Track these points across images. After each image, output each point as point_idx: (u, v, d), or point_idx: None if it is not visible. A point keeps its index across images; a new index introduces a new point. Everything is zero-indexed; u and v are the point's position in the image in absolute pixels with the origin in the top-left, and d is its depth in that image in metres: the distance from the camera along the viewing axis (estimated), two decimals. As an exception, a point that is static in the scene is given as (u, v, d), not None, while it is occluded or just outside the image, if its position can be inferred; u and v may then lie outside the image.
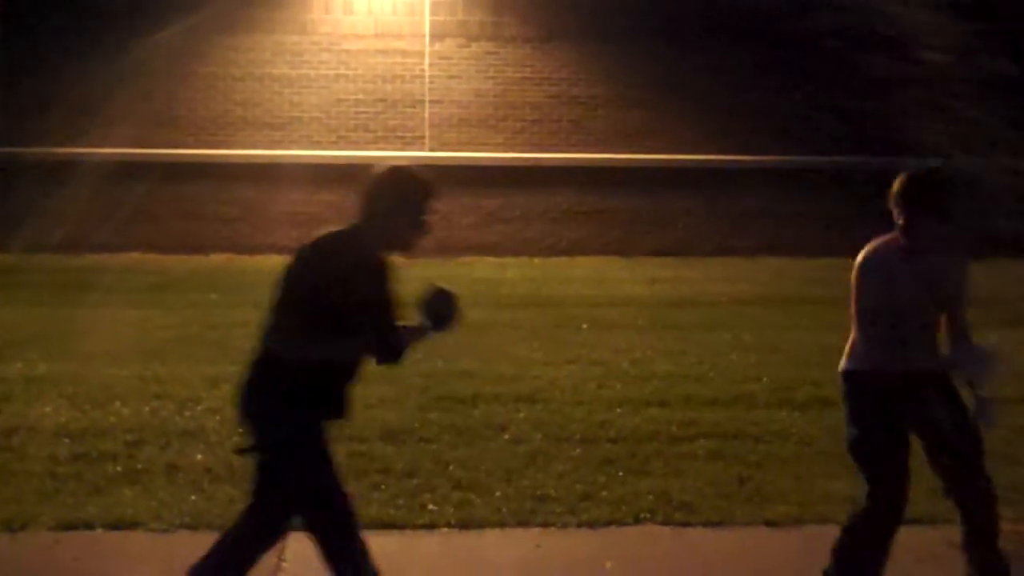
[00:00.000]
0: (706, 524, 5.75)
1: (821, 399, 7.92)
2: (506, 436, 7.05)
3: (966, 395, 4.81)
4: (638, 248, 15.61)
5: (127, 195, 14.40)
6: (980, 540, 4.78)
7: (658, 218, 15.86)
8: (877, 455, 4.79)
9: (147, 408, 7.44)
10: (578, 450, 6.80)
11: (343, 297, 4.00)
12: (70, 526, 5.54)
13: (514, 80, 15.79)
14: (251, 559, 4.31)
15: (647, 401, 7.89)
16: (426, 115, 15.59)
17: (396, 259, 4.14)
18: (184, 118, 15.38)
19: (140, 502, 5.82)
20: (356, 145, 15.48)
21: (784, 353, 9.50)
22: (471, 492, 6.08)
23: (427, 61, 15.56)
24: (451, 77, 15.65)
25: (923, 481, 6.31)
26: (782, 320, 10.93)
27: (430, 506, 5.88)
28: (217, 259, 14.51)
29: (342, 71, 15.56)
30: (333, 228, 4.26)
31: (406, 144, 15.60)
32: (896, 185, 4.71)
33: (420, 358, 9.01)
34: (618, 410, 7.65)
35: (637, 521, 5.77)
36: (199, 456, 6.53)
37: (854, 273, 4.80)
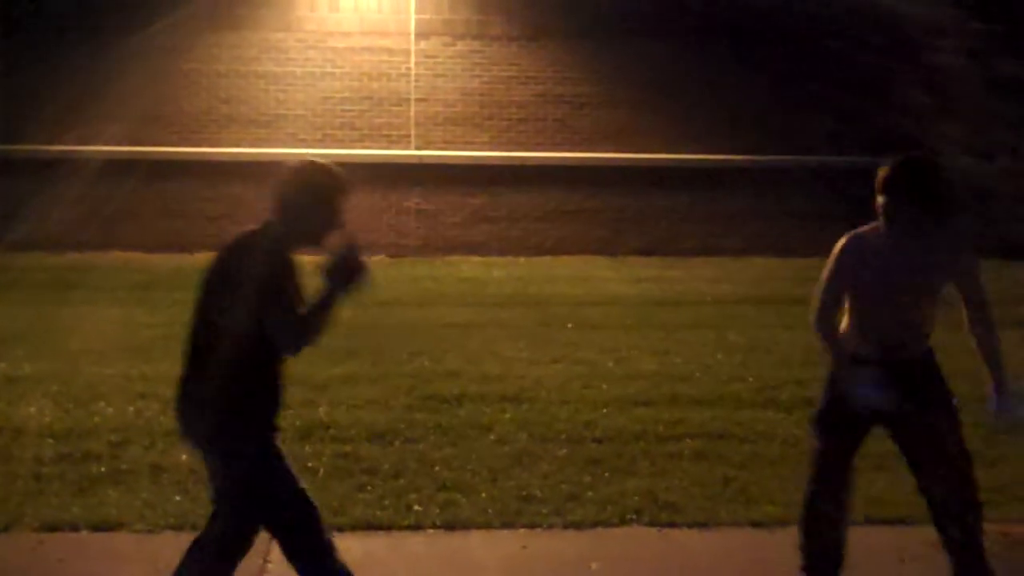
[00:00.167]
0: (692, 525, 5.77)
1: (806, 399, 7.90)
2: (492, 436, 7.05)
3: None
4: (624, 247, 15.63)
5: (112, 193, 14.34)
6: (966, 550, 4.74)
7: (644, 217, 15.88)
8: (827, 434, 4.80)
9: (132, 408, 7.41)
10: (564, 450, 6.80)
11: (249, 293, 3.95)
12: (54, 527, 5.52)
13: (500, 79, 15.77)
14: (228, 568, 4.28)
15: (633, 401, 7.89)
16: (412, 113, 15.57)
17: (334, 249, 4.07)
18: (169, 115, 15.32)
19: (125, 503, 5.80)
20: (342, 143, 15.44)
21: (770, 353, 9.52)
22: (457, 493, 6.07)
23: (413, 59, 15.53)
24: (437, 75, 15.63)
25: (906, 482, 6.34)
26: (768, 320, 10.94)
27: (416, 507, 5.87)
28: (202, 257, 14.26)
29: (328, 69, 15.53)
30: (250, 226, 4.19)
31: (392, 142, 15.58)
32: (881, 172, 4.70)
33: (405, 358, 9.08)
34: (604, 410, 7.65)
35: (623, 522, 5.78)
36: (184, 456, 6.48)
37: (832, 256, 4.79)
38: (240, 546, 4.26)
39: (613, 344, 9.70)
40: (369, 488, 6.11)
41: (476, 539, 5.58)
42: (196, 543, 4.28)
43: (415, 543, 5.52)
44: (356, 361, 8.92)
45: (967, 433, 7.25)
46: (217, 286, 4.09)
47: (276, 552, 5.28)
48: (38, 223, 13.99)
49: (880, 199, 4.65)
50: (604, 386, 8.29)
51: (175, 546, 5.27)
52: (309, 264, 4.10)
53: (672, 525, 5.75)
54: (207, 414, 4.06)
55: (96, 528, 5.54)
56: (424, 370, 8.67)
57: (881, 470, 6.49)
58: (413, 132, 15.58)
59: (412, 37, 15.49)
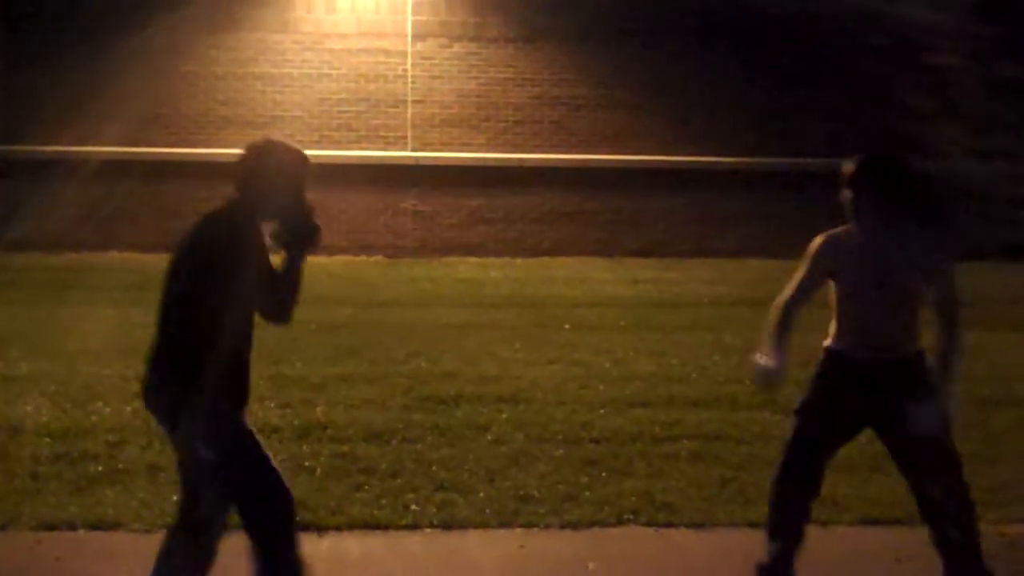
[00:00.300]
0: (689, 525, 5.77)
1: (803, 400, 7.94)
2: (489, 437, 7.05)
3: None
4: (620, 249, 15.64)
5: (109, 194, 14.33)
6: (964, 551, 4.73)
7: (640, 219, 15.89)
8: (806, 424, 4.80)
9: (128, 408, 7.40)
10: (561, 451, 6.80)
11: (230, 268, 3.97)
12: (52, 526, 5.52)
13: (496, 80, 15.78)
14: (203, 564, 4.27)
15: (629, 402, 7.90)
16: (408, 115, 15.57)
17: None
18: (166, 117, 15.32)
19: (122, 502, 5.80)
20: (339, 144, 15.45)
21: (766, 354, 9.51)
22: (454, 492, 6.08)
23: (410, 61, 15.54)
24: (434, 77, 15.64)
25: (902, 483, 6.34)
26: (763, 321, 10.93)
27: (413, 506, 5.87)
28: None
29: (325, 70, 15.53)
30: (207, 212, 4.24)
31: (388, 144, 15.59)
32: (846, 168, 4.70)
33: (403, 359, 9.09)
34: (601, 411, 7.66)
35: (620, 522, 5.78)
36: (181, 456, 6.50)
37: (807, 254, 4.83)
38: (211, 529, 4.21)
39: (610, 345, 9.71)
40: (366, 488, 6.11)
41: (473, 539, 5.58)
42: (170, 532, 4.27)
43: (412, 543, 5.52)
44: (354, 361, 8.93)
45: (966, 434, 7.30)
46: (191, 263, 4.09)
47: (274, 551, 5.29)
48: (36, 223, 13.99)
49: (846, 194, 4.67)
50: (601, 387, 8.30)
51: (173, 545, 5.30)
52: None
53: (669, 525, 5.76)
54: (176, 390, 4.04)
55: (93, 527, 5.54)
56: (421, 371, 8.67)
57: (876, 471, 6.50)
58: (410, 134, 15.59)
59: (409, 39, 15.50)
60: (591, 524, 5.74)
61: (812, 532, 5.63)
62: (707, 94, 15.68)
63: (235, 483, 4.14)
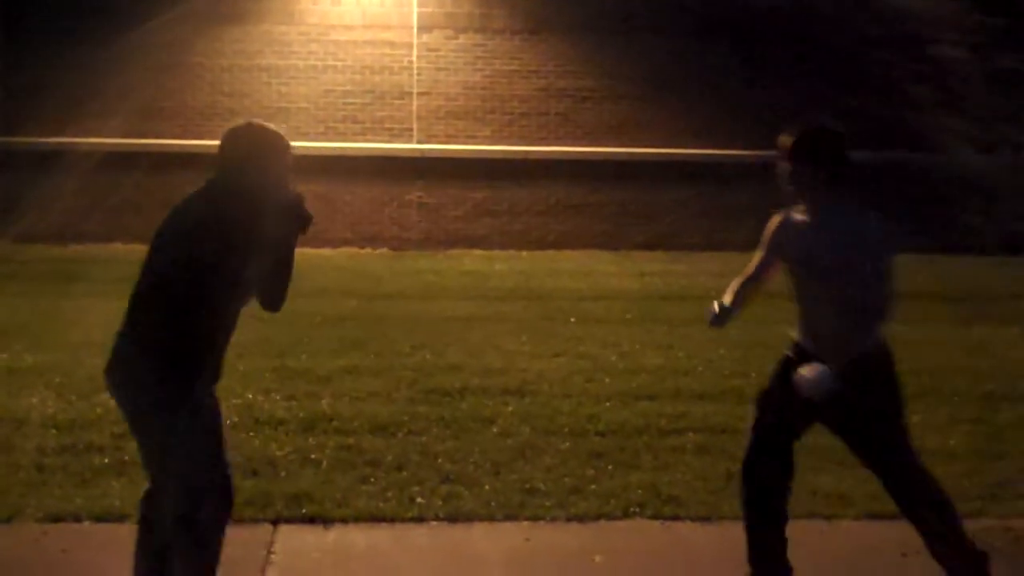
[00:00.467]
0: (695, 518, 5.76)
1: (809, 394, 7.93)
2: (495, 429, 7.04)
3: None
4: (626, 242, 15.61)
5: (114, 185, 14.33)
6: (944, 542, 4.66)
7: (647, 212, 15.87)
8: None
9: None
10: (567, 444, 6.79)
11: (227, 248, 3.98)
12: (57, 518, 5.52)
13: (502, 72, 15.76)
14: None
15: (636, 395, 7.89)
16: (414, 107, 15.56)
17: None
18: (171, 109, 15.32)
19: (127, 494, 5.77)
20: (344, 136, 15.44)
21: (772, 348, 9.40)
22: (460, 485, 6.07)
23: (415, 53, 15.52)
24: (439, 69, 15.62)
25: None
26: (770, 315, 10.82)
27: (419, 499, 5.87)
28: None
29: (330, 62, 15.52)
30: (189, 195, 4.25)
31: (394, 136, 15.57)
32: (785, 140, 4.67)
33: (408, 351, 9.08)
34: (607, 404, 7.65)
35: (626, 515, 5.77)
36: (187, 448, 6.50)
37: (764, 235, 4.84)
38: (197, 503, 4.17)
39: (616, 338, 9.69)
40: (372, 480, 6.11)
41: (479, 532, 5.58)
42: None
43: (418, 535, 5.51)
44: (359, 354, 8.93)
45: (971, 430, 7.31)
46: (182, 242, 4.09)
47: (280, 542, 5.31)
48: (41, 215, 14.00)
49: (784, 167, 4.64)
50: (607, 380, 8.29)
51: (178, 537, 5.30)
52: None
53: (675, 518, 5.75)
54: (156, 366, 4.04)
55: (99, 519, 5.54)
56: (427, 363, 8.67)
57: (884, 464, 6.50)
58: (415, 126, 15.57)
59: (414, 30, 15.48)
60: (597, 517, 5.74)
61: (817, 527, 5.65)
62: (714, 85, 15.65)
63: (191, 459, 4.11)
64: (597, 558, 5.27)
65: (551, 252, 15.22)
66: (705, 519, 5.74)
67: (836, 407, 4.50)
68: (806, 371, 4.45)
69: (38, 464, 6.22)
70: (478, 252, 15.07)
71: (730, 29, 15.60)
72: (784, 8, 15.13)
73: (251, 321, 9.61)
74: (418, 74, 15.53)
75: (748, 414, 7.37)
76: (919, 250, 14.91)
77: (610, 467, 6.43)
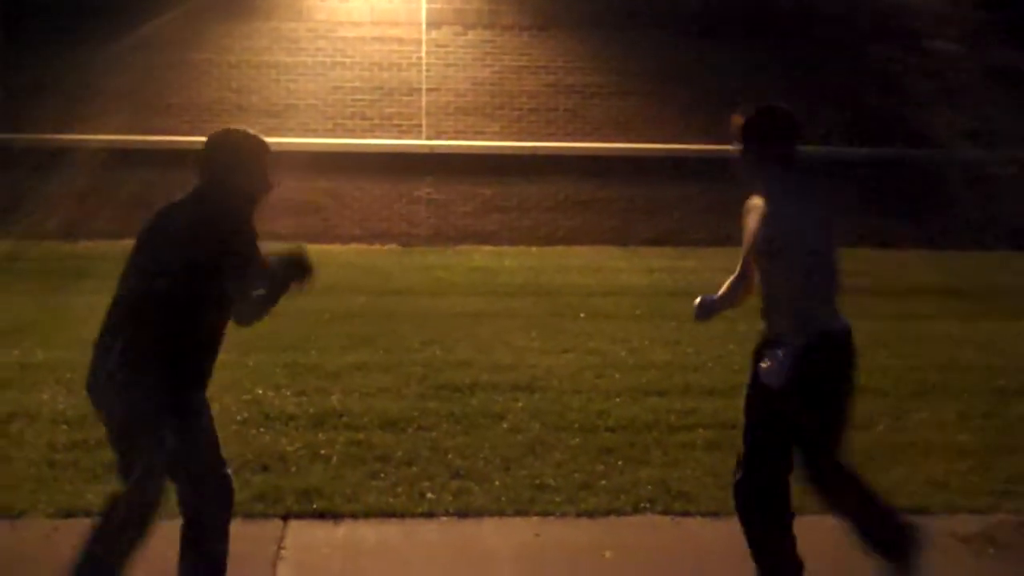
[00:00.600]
0: (705, 513, 5.75)
1: (819, 389, 7.91)
2: (504, 425, 7.04)
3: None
4: (635, 237, 15.59)
5: (123, 182, 14.33)
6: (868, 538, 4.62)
7: (655, 207, 15.84)
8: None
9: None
10: (576, 439, 6.79)
11: (221, 256, 4.02)
12: (68, 513, 5.53)
13: (511, 68, 15.74)
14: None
15: (645, 390, 7.89)
16: (423, 103, 15.54)
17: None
18: (179, 105, 15.32)
19: (138, 489, 5.80)
20: (352, 133, 15.44)
21: (781, 343, 9.48)
22: (470, 481, 6.07)
23: (424, 49, 15.51)
24: (448, 65, 15.61)
25: (922, 472, 6.35)
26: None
27: (429, 494, 5.87)
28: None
29: (338, 58, 15.51)
30: (174, 201, 4.27)
31: (402, 132, 15.57)
32: (735, 120, 4.62)
33: (417, 347, 9.08)
34: (616, 399, 7.64)
35: (636, 510, 5.77)
36: (197, 444, 6.51)
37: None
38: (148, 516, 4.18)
39: (625, 334, 9.68)
40: (382, 476, 6.11)
41: (489, 527, 5.58)
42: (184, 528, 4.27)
43: (428, 530, 5.52)
44: (368, 349, 8.93)
45: (983, 424, 7.29)
46: (175, 246, 4.10)
47: (290, 538, 5.32)
48: (50, 212, 14.02)
49: (735, 147, 4.60)
50: (616, 376, 8.28)
51: (189, 533, 5.30)
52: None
53: (685, 514, 5.74)
54: (152, 371, 4.05)
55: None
56: (436, 359, 8.67)
57: (895, 461, 6.50)
58: (424, 122, 15.56)
59: (423, 26, 15.47)
60: (607, 512, 5.73)
61: (826, 521, 5.62)
62: (723, 81, 15.59)
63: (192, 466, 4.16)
64: (607, 554, 5.27)
65: (560, 248, 15.20)
66: (715, 515, 5.72)
67: (793, 392, 4.42)
68: (764, 362, 4.43)
69: (49, 460, 6.23)
70: (487, 248, 15.06)
71: (738, 25, 15.57)
72: (791, 4, 15.11)
73: (261, 317, 9.38)
74: (427, 70, 15.53)
75: (758, 409, 7.43)
76: (923, 245, 14.94)
77: (620, 463, 6.42)
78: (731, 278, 4.91)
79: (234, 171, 4.22)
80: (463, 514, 5.68)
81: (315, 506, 5.66)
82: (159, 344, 4.06)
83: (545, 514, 5.69)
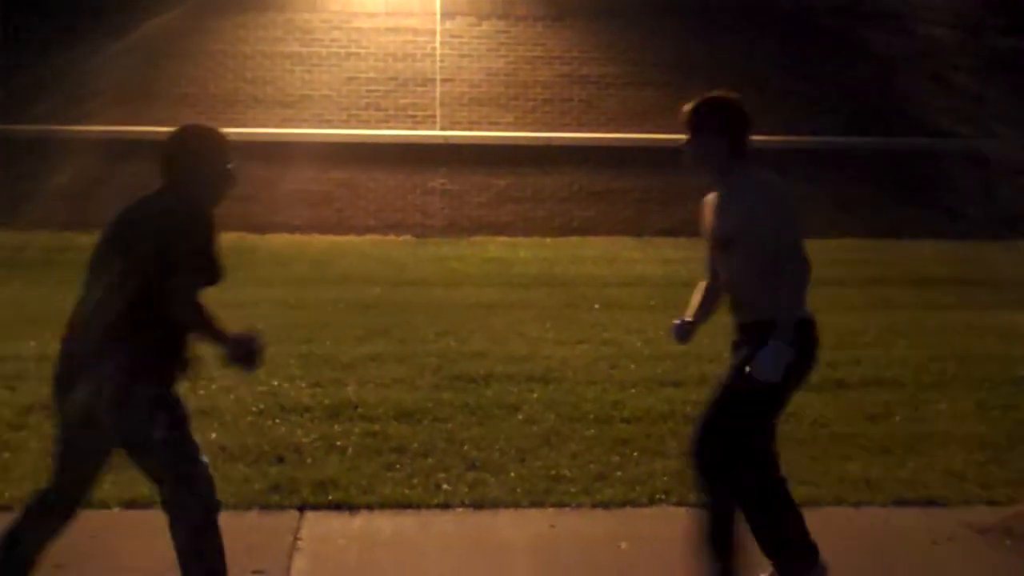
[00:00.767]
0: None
1: (835, 380, 7.90)
2: (520, 416, 7.04)
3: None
4: (650, 228, 15.56)
5: (138, 173, 14.32)
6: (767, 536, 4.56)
7: (670, 198, 15.79)
8: None
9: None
10: (592, 430, 6.78)
11: (181, 250, 4.02)
12: (86, 504, 5.53)
13: (525, 59, 15.72)
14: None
15: (660, 381, 7.87)
16: (437, 94, 15.53)
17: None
18: (194, 96, 15.34)
19: (155, 480, 5.81)
20: (367, 124, 15.44)
21: (797, 334, 9.44)
22: (485, 472, 6.07)
23: (438, 39, 15.49)
24: (462, 56, 15.59)
25: (939, 463, 6.32)
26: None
27: (444, 486, 5.87)
28: (228, 237, 14.34)
29: (353, 49, 15.51)
30: (140, 196, 4.29)
31: (417, 123, 15.56)
32: (685, 109, 4.61)
33: (432, 338, 9.09)
34: (632, 390, 7.63)
35: (652, 501, 5.76)
36: (213, 435, 6.52)
37: None
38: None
39: (640, 325, 9.66)
40: (398, 467, 6.11)
41: (505, 518, 5.57)
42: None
43: (444, 522, 5.51)
44: (383, 340, 8.94)
45: (1000, 415, 7.25)
46: (134, 242, 4.11)
47: (306, 529, 5.32)
48: (65, 202, 14.05)
49: (686, 137, 4.55)
50: (632, 366, 8.27)
51: (205, 523, 5.31)
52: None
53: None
54: (130, 365, 4.07)
55: (128, 506, 5.56)
56: (451, 350, 8.66)
57: (911, 451, 6.48)
58: (438, 112, 15.55)
59: (438, 17, 15.45)
60: (623, 503, 5.72)
61: (844, 513, 5.62)
62: (737, 72, 15.50)
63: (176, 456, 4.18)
64: (623, 544, 5.26)
65: (575, 239, 15.18)
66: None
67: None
68: (752, 365, 4.33)
69: (66, 451, 6.23)
70: (501, 239, 15.05)
71: (752, 14, 15.51)
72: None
73: (276, 308, 9.64)
74: (441, 61, 15.51)
75: (774, 400, 7.41)
76: (940, 236, 14.87)
77: (635, 454, 6.41)
78: (701, 287, 4.83)
79: (196, 168, 4.25)
80: (479, 505, 5.67)
81: (331, 497, 5.66)
82: (136, 335, 4.07)
83: (560, 505, 5.69)
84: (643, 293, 11.26)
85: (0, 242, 13.31)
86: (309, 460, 6.19)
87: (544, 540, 5.34)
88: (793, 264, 4.37)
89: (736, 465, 4.48)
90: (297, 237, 14.64)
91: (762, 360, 4.27)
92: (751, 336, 4.45)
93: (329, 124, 15.40)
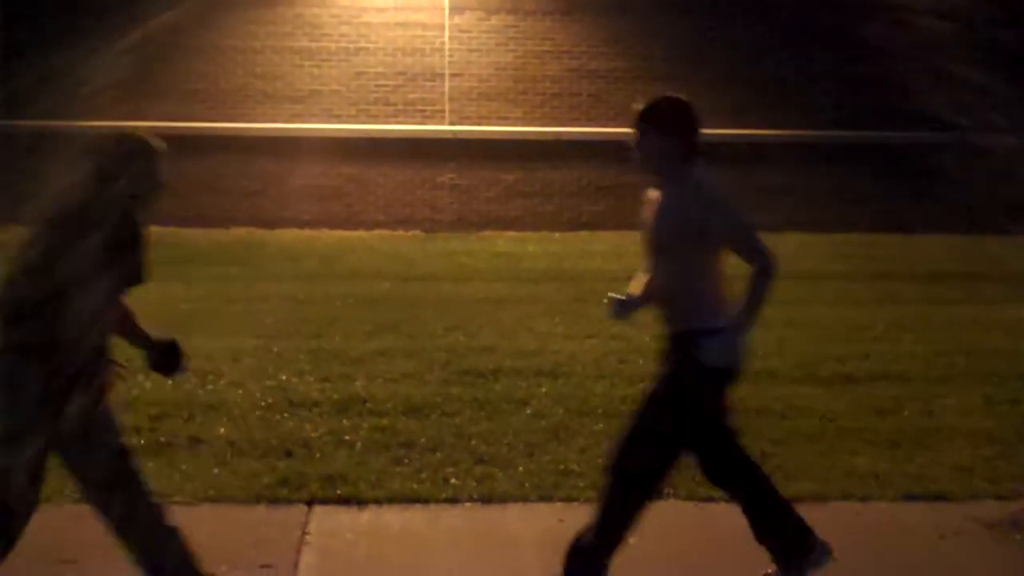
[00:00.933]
0: (729, 499, 5.73)
1: (844, 375, 7.91)
2: (528, 411, 7.05)
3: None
4: (659, 222, 15.53)
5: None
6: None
7: (679, 192, 15.78)
8: None
9: (169, 381, 7.43)
10: (600, 425, 6.78)
11: (105, 243, 4.06)
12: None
13: (534, 53, 15.71)
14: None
15: (668, 376, 7.85)
16: (446, 88, 15.54)
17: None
18: (204, 91, 15.37)
19: (164, 475, 5.83)
20: (376, 119, 15.45)
21: (806, 329, 9.46)
22: (494, 466, 6.08)
23: (447, 34, 15.49)
24: (471, 50, 15.58)
25: (947, 458, 6.32)
26: (804, 295, 10.86)
27: (453, 480, 5.88)
28: (238, 232, 14.52)
29: (362, 44, 15.52)
30: (65, 199, 4.31)
31: (426, 118, 15.57)
32: (637, 107, 4.56)
33: (441, 333, 9.10)
34: (640, 385, 7.54)
35: (660, 496, 5.75)
36: (222, 429, 6.55)
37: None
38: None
39: (648, 319, 9.56)
40: (406, 462, 6.12)
41: (513, 513, 5.58)
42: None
43: (452, 516, 5.53)
44: (392, 335, 8.95)
45: (1007, 410, 7.24)
46: (59, 242, 4.12)
47: (315, 523, 5.34)
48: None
49: (635, 134, 4.51)
50: (640, 361, 8.25)
51: (213, 518, 5.35)
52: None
53: (709, 500, 5.71)
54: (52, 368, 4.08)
55: (136, 500, 5.57)
56: (459, 345, 8.67)
57: (919, 446, 6.47)
58: (447, 107, 15.56)
59: (446, 12, 15.45)
60: (631, 498, 5.72)
61: (852, 508, 5.63)
62: (746, 66, 15.53)
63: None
64: (631, 540, 5.25)
65: (583, 233, 15.18)
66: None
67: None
68: (701, 347, 4.34)
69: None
70: (510, 234, 15.05)
71: (762, 8, 15.48)
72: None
73: (285, 303, 9.67)
74: (450, 55, 15.51)
75: (782, 395, 7.43)
76: (946, 230, 14.83)
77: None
78: (643, 275, 4.73)
79: (132, 175, 4.31)
80: (487, 500, 5.69)
81: (339, 492, 5.67)
82: (68, 337, 4.09)
83: (569, 500, 5.69)
84: (652, 288, 11.24)
85: (3, 241, 13.32)
86: (318, 455, 6.21)
87: (553, 534, 5.33)
88: (711, 271, 4.38)
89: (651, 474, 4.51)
90: (306, 232, 14.66)
91: (715, 347, 4.30)
92: (678, 347, 4.42)
93: (338, 119, 15.42)
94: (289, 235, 14.41)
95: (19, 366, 4.07)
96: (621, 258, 13.26)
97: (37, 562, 4.79)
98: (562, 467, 6.07)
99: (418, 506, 5.60)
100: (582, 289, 11.13)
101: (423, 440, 6.45)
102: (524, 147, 15.53)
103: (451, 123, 15.53)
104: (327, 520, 5.41)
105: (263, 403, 7.05)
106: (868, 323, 9.51)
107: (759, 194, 15.70)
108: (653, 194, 4.57)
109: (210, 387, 7.38)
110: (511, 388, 7.51)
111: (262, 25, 15.39)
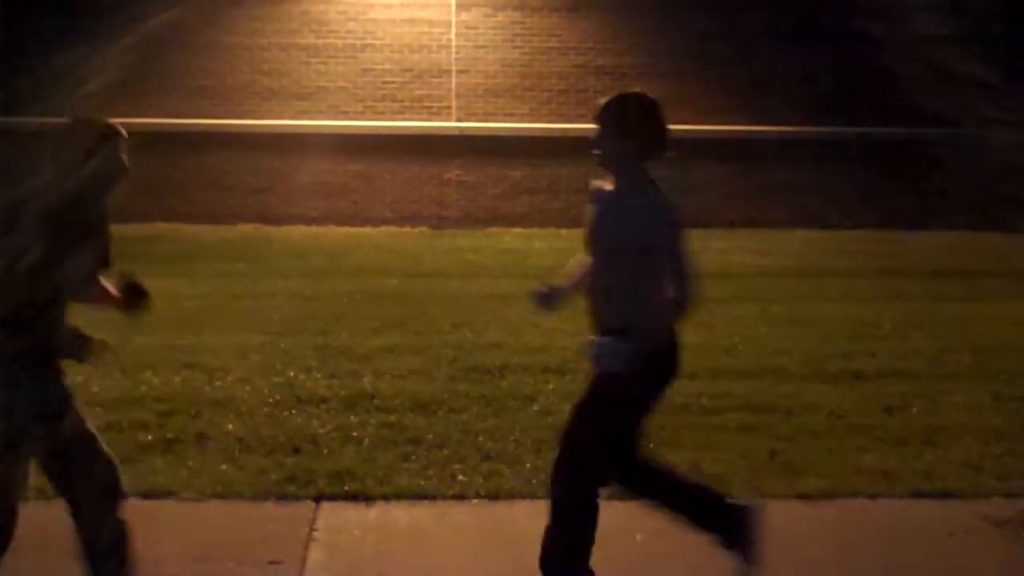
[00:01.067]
0: (737, 496, 5.72)
1: (852, 372, 7.90)
2: (535, 407, 7.04)
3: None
4: (665, 219, 15.52)
5: (154, 165, 14.39)
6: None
7: (684, 188, 15.53)
8: None
9: (177, 378, 7.47)
10: (607, 422, 6.77)
11: (63, 234, 4.10)
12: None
13: (541, 50, 15.70)
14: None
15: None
16: (452, 85, 15.53)
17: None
18: (210, 88, 15.38)
19: (171, 471, 5.84)
20: (383, 115, 15.46)
21: (813, 325, 9.45)
22: (501, 463, 6.07)
23: (454, 31, 15.49)
24: (478, 47, 15.58)
25: (956, 455, 6.31)
26: (811, 292, 10.87)
27: (460, 477, 5.88)
28: (245, 229, 14.53)
29: (368, 41, 15.52)
30: (23, 188, 4.28)
31: (432, 114, 15.57)
32: (599, 101, 4.51)
33: (448, 330, 9.10)
34: (645, 382, 7.61)
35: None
36: (229, 426, 6.56)
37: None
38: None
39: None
40: (414, 458, 6.12)
41: (520, 509, 5.57)
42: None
43: (459, 513, 5.52)
44: (399, 332, 8.95)
45: (1017, 407, 7.23)
46: (21, 232, 4.10)
47: (323, 519, 5.34)
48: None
49: (594, 130, 4.45)
50: (647, 358, 8.25)
51: (221, 514, 5.36)
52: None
53: (712, 499, 5.72)
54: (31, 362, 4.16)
55: (144, 496, 5.55)
56: (466, 341, 8.67)
57: (928, 444, 6.46)
58: (454, 104, 15.55)
59: (453, 8, 15.45)
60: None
61: (860, 505, 5.62)
62: (754, 63, 15.51)
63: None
64: (638, 536, 5.26)
65: (590, 230, 15.14)
66: (747, 498, 5.70)
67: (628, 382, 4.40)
68: (595, 347, 4.35)
69: (83, 441, 6.27)
70: (517, 230, 15.05)
71: (770, 5, 15.46)
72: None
73: (292, 300, 9.68)
74: (456, 52, 15.51)
75: (790, 392, 7.43)
76: (954, 227, 14.81)
77: (651, 445, 6.35)
78: (578, 265, 4.71)
79: (93, 161, 4.31)
80: (494, 496, 5.68)
81: (347, 488, 5.67)
82: (36, 331, 4.13)
83: (576, 497, 5.68)
84: (658, 284, 11.23)
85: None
86: (325, 451, 6.21)
87: (560, 531, 5.34)
88: (652, 276, 4.29)
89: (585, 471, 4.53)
90: (313, 229, 14.67)
91: (603, 347, 4.27)
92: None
93: (345, 116, 15.42)
94: (296, 232, 14.42)
95: None
96: (628, 255, 13.27)
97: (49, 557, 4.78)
98: (570, 464, 6.06)
99: (425, 502, 5.60)
100: (589, 285, 11.12)
101: (430, 436, 6.45)
102: (531, 143, 15.53)
103: (458, 119, 15.53)
104: (335, 516, 5.41)
105: (270, 399, 7.06)
106: (875, 320, 9.50)
107: (766, 189, 15.74)
108: (601, 185, 4.48)
109: (217, 383, 7.39)
110: (518, 384, 7.50)
111: (268, 22, 15.39)
